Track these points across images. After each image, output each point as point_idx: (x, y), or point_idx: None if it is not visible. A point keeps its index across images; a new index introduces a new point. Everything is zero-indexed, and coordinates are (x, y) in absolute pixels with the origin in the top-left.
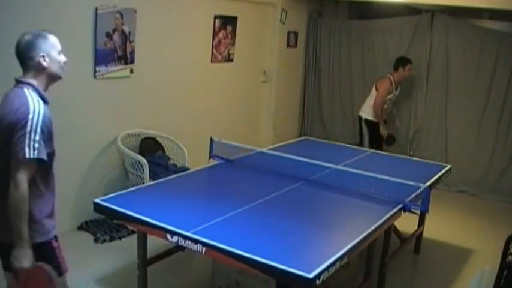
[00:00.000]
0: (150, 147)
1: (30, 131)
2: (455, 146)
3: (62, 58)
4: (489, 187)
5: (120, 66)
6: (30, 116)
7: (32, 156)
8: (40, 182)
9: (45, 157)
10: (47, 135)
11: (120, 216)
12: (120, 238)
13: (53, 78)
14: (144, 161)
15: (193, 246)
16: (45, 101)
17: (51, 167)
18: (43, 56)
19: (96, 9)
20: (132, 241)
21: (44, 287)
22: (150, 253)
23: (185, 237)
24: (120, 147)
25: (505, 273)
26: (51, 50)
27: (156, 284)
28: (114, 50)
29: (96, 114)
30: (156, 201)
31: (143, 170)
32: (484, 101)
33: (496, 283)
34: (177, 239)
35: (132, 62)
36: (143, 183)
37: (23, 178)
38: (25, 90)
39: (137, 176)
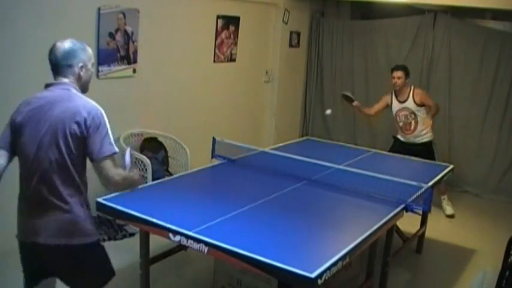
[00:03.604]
0: (152, 147)
1: (107, 130)
2: (458, 146)
3: (93, 70)
4: (492, 187)
5: (123, 66)
6: (104, 117)
7: (116, 150)
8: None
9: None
10: None
11: (122, 216)
12: (121, 238)
13: (83, 89)
14: (147, 160)
15: (195, 245)
16: None
17: None
18: (81, 67)
19: (99, 9)
20: (133, 241)
21: None
22: (153, 252)
23: (187, 237)
24: (123, 146)
25: (507, 273)
26: (88, 62)
27: (158, 283)
28: (117, 49)
29: None
30: (159, 200)
31: (146, 169)
32: (486, 101)
33: (498, 284)
34: (179, 239)
35: (135, 61)
36: (146, 182)
37: (115, 171)
38: (74, 91)
39: (140, 175)
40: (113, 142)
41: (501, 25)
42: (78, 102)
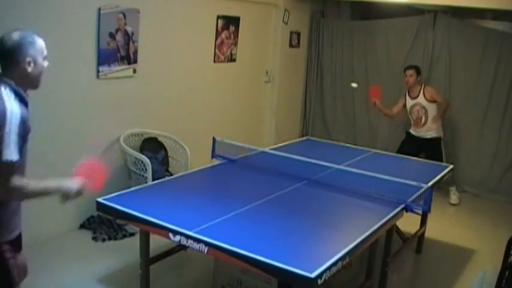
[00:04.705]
0: (152, 147)
1: (9, 132)
2: (458, 146)
3: (45, 64)
4: (491, 187)
5: (123, 66)
6: (8, 116)
7: (9, 158)
8: None
9: (15, 159)
10: (22, 137)
11: (122, 216)
12: (122, 238)
13: (32, 85)
14: (147, 160)
15: (195, 245)
16: (23, 102)
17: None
18: (29, 62)
19: (100, 9)
20: (133, 241)
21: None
22: (153, 252)
23: (187, 237)
24: (123, 146)
25: (506, 274)
26: (38, 56)
27: (158, 283)
28: (117, 50)
29: (99, 114)
30: (159, 200)
31: (146, 169)
32: (486, 101)
33: (498, 284)
34: (179, 239)
35: (135, 62)
36: (146, 182)
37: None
38: (2, 89)
39: (140, 175)
40: (12, 148)
41: (501, 25)
42: None
